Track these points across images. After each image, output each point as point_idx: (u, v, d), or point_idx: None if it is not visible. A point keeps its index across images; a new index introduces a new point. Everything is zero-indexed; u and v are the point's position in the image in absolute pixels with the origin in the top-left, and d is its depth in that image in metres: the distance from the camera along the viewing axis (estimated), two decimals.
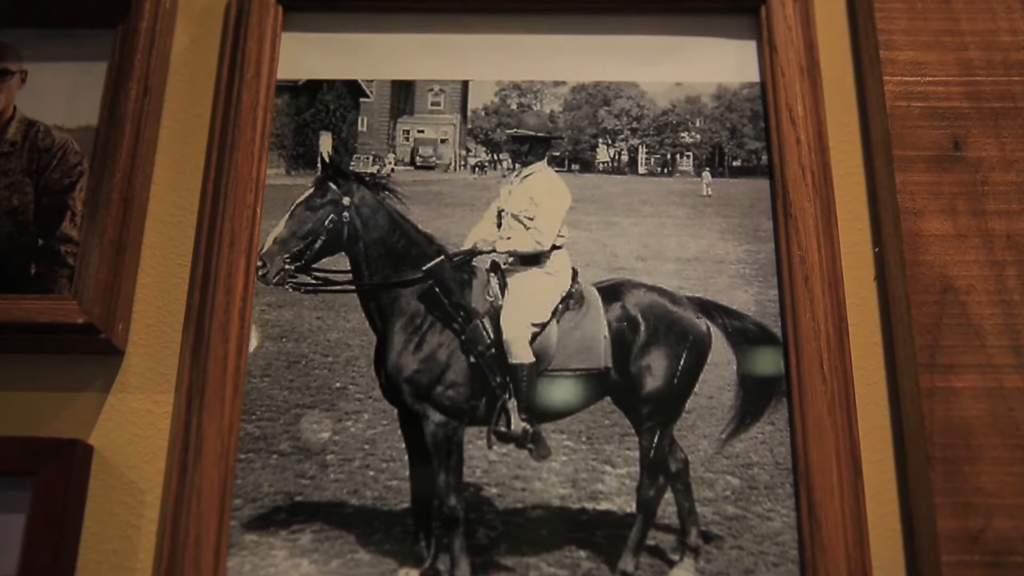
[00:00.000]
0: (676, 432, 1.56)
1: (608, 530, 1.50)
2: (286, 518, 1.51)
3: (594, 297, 1.64)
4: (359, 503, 1.52)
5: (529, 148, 1.71)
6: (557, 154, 1.74)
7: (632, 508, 1.52)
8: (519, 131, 1.72)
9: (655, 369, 1.61)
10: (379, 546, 1.49)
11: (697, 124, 1.78)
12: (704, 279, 1.65)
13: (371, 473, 1.54)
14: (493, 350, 1.60)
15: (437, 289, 1.63)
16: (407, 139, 1.79)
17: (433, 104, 1.80)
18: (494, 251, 1.66)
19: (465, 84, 1.79)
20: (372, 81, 1.80)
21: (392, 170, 1.75)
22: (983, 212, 1.59)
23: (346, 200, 1.65)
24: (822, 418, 1.50)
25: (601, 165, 1.78)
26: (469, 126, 1.78)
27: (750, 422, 1.56)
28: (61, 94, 1.73)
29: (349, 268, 1.65)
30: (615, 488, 1.53)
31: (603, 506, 1.52)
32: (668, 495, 1.53)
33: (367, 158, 1.75)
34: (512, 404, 1.57)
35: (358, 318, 1.64)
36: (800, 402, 1.52)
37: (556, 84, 1.78)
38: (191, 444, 1.50)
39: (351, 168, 1.73)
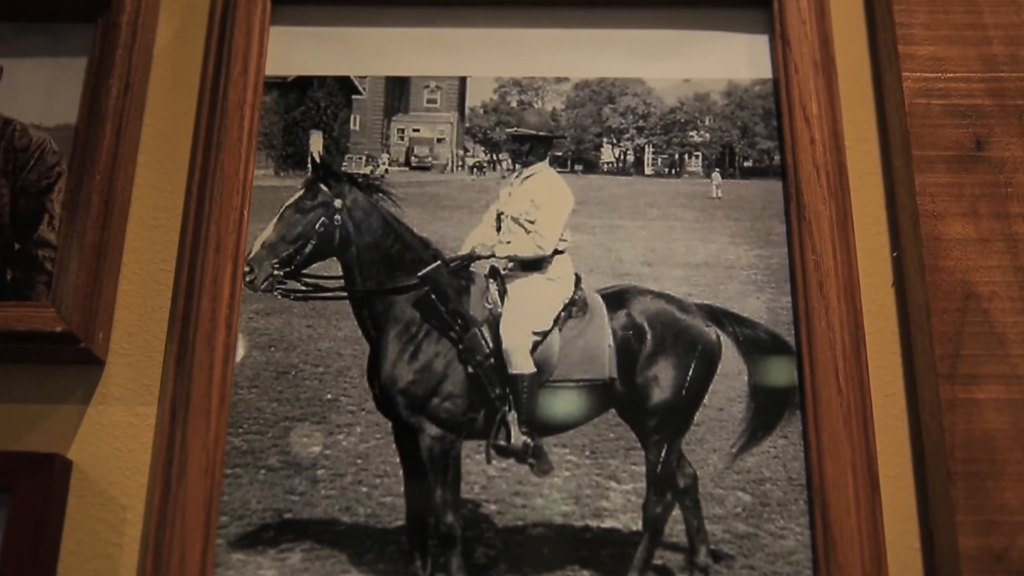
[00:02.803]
0: (684, 446, 1.58)
1: (613, 549, 1.51)
2: (275, 536, 1.52)
3: (598, 304, 1.66)
4: (351, 520, 1.53)
5: (530, 148, 1.73)
6: (559, 154, 1.76)
7: (638, 526, 1.53)
8: (519, 130, 1.73)
9: (662, 380, 1.62)
10: (372, 566, 1.51)
11: (706, 123, 1.80)
12: (714, 285, 1.67)
13: (364, 489, 1.55)
14: (492, 360, 1.61)
15: (433, 296, 1.65)
16: (402, 138, 1.81)
17: (429, 102, 1.81)
18: (493, 256, 1.68)
19: (463, 80, 1.81)
20: (365, 77, 1.81)
21: (386, 171, 1.77)
22: (1007, 215, 1.60)
23: (338, 202, 1.67)
24: (837, 431, 1.52)
25: (605, 165, 1.79)
26: (467, 125, 1.80)
27: (762, 435, 1.58)
28: (38, 91, 1.74)
29: (341, 274, 1.67)
30: (620, 505, 1.54)
31: (608, 524, 1.53)
32: (676, 512, 1.54)
33: (360, 158, 1.77)
34: (512, 416, 1.59)
35: (350, 326, 1.65)
36: (814, 414, 1.54)
37: (558, 80, 1.80)
38: (175, 458, 1.51)
39: (343, 169, 1.74)
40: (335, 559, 1.51)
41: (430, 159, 1.80)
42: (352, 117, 1.79)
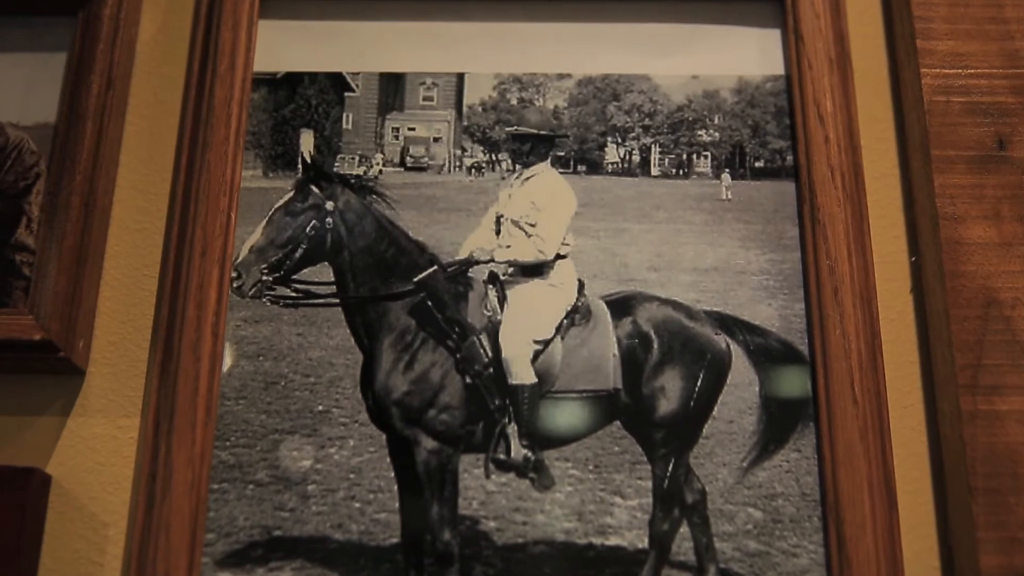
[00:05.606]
0: (692, 460, 1.60)
1: (618, 567, 1.53)
2: (264, 554, 1.54)
3: (602, 311, 1.67)
4: (344, 538, 1.55)
5: (531, 147, 1.74)
6: (562, 154, 1.77)
7: (644, 543, 1.55)
8: (520, 129, 1.75)
9: (669, 391, 1.64)
10: None
11: (716, 121, 1.81)
12: (723, 291, 1.68)
13: (357, 505, 1.57)
14: (491, 370, 1.63)
15: (430, 302, 1.66)
16: (396, 137, 1.82)
17: (425, 99, 1.83)
18: (492, 261, 1.69)
19: (460, 77, 1.82)
20: (358, 74, 1.83)
21: (380, 171, 1.78)
22: None
23: (329, 205, 1.69)
24: (853, 444, 1.53)
25: (610, 166, 1.81)
26: (465, 123, 1.81)
27: (774, 449, 1.59)
28: (16, 88, 1.76)
29: (333, 280, 1.68)
30: (625, 521, 1.55)
31: (612, 541, 1.55)
32: (684, 529, 1.56)
33: (352, 158, 1.79)
34: (512, 429, 1.60)
35: (343, 334, 1.67)
36: (829, 427, 1.55)
37: (560, 77, 1.82)
38: (159, 473, 1.53)
39: (335, 169, 1.76)
40: None
41: (426, 159, 1.82)
42: (344, 115, 1.81)
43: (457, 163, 1.81)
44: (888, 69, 1.80)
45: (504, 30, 1.83)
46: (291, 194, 1.69)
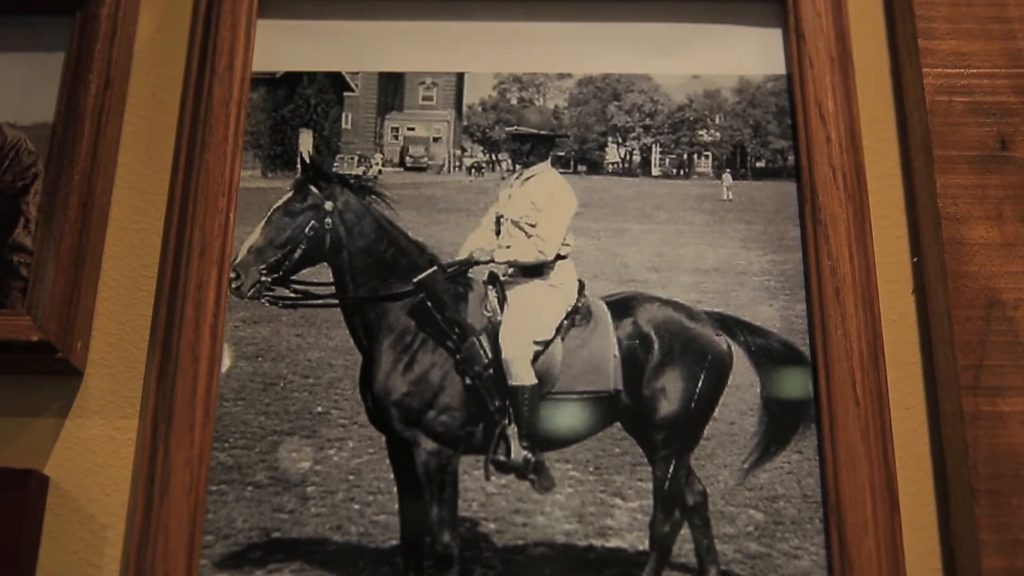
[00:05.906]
0: (693, 461, 1.60)
1: (618, 569, 1.53)
2: (262, 556, 1.54)
3: (603, 312, 1.68)
4: (343, 540, 1.55)
5: (531, 147, 1.74)
6: (562, 154, 1.78)
7: (645, 545, 1.55)
8: (520, 129, 1.75)
9: (670, 392, 1.64)
10: None
11: (717, 121, 1.82)
12: (724, 292, 1.68)
13: (356, 507, 1.57)
14: (491, 371, 1.63)
15: (429, 303, 1.67)
16: (396, 137, 1.82)
17: (425, 99, 1.83)
18: (492, 261, 1.70)
19: (460, 77, 1.82)
20: (357, 73, 1.83)
21: (379, 172, 1.79)
22: None
23: (328, 205, 1.69)
24: (855, 446, 1.54)
25: (610, 166, 1.81)
26: (465, 123, 1.81)
27: (775, 450, 1.59)
28: (14, 88, 1.76)
29: (332, 280, 1.68)
30: (626, 523, 1.56)
31: (613, 543, 1.55)
32: (685, 531, 1.56)
33: (352, 158, 1.79)
34: (512, 430, 1.61)
35: (342, 335, 1.67)
36: (831, 428, 1.55)
37: (561, 77, 1.82)
38: (157, 475, 1.53)
39: (334, 170, 1.76)
40: None
41: (426, 159, 1.82)
42: (344, 115, 1.81)
43: (457, 163, 1.82)
44: (890, 68, 1.80)
45: (504, 30, 1.84)
46: (290, 194, 1.70)
